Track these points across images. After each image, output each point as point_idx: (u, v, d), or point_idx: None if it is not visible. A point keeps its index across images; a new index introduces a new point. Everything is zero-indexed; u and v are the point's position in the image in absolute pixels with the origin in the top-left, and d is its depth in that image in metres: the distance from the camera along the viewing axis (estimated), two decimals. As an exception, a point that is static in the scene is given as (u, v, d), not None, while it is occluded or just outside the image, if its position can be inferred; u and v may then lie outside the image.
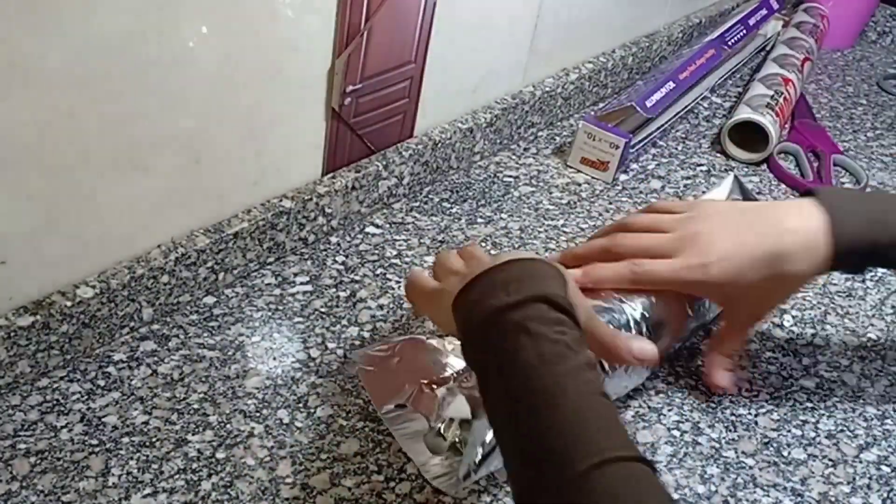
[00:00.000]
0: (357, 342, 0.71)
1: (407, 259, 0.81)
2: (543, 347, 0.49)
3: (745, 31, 1.18)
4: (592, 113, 1.00)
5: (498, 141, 0.98)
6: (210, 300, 0.74)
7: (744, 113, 1.04)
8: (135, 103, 0.60)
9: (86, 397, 0.64)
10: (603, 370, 0.62)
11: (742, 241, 0.63)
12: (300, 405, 0.66)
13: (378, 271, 0.79)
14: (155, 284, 0.68)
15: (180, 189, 0.68)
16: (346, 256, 0.81)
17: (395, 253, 0.82)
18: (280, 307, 0.74)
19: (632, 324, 0.63)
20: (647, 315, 0.64)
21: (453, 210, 0.89)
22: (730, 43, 1.15)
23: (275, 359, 0.69)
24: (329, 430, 0.64)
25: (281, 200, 0.76)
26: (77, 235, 0.63)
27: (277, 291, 0.75)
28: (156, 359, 0.68)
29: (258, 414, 0.64)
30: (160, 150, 0.64)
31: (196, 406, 0.64)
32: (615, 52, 1.12)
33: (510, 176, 0.96)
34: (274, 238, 0.77)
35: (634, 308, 0.64)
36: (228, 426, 0.63)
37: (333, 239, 0.82)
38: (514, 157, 0.99)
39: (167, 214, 0.68)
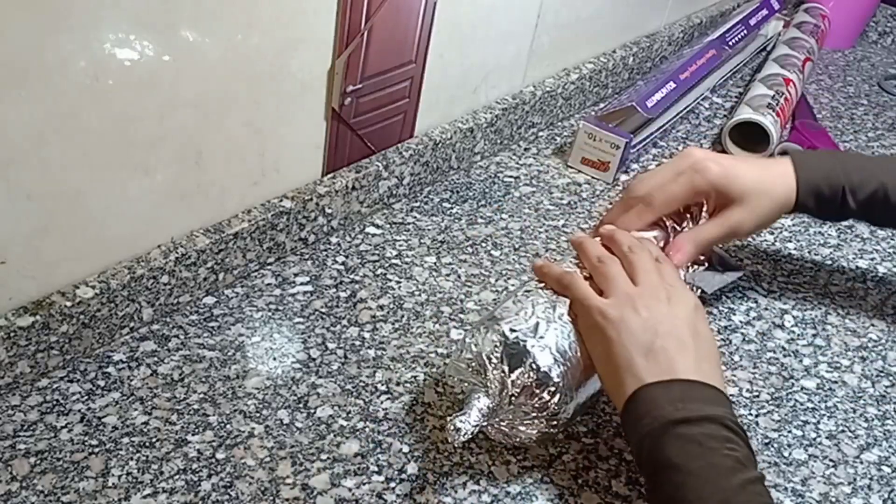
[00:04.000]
0: (357, 343, 0.71)
1: (407, 259, 0.81)
2: (715, 460, 0.50)
3: (745, 32, 1.18)
4: (593, 113, 1.00)
5: (498, 141, 0.98)
6: (210, 300, 0.73)
7: (745, 113, 1.04)
8: (135, 103, 0.60)
9: (86, 397, 0.64)
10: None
11: (732, 160, 0.72)
12: (300, 405, 0.66)
13: (378, 271, 0.79)
14: (155, 284, 0.68)
15: (180, 189, 0.68)
16: (347, 257, 0.80)
17: (395, 253, 0.82)
18: (280, 307, 0.74)
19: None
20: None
21: (454, 210, 0.89)
22: (730, 43, 1.15)
23: (275, 359, 0.69)
24: (329, 430, 0.64)
25: (281, 200, 0.76)
26: (77, 235, 0.63)
27: (277, 292, 0.75)
28: (156, 359, 0.67)
29: (258, 414, 0.64)
30: (160, 150, 0.64)
31: (196, 406, 0.64)
32: (616, 52, 1.11)
33: (510, 176, 0.95)
34: (274, 238, 0.77)
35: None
36: (228, 426, 0.63)
37: (333, 239, 0.82)
38: (514, 157, 0.99)
39: (167, 214, 0.68)
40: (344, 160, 0.81)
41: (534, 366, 0.58)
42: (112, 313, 0.66)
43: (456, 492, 0.61)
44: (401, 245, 0.83)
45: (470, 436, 0.56)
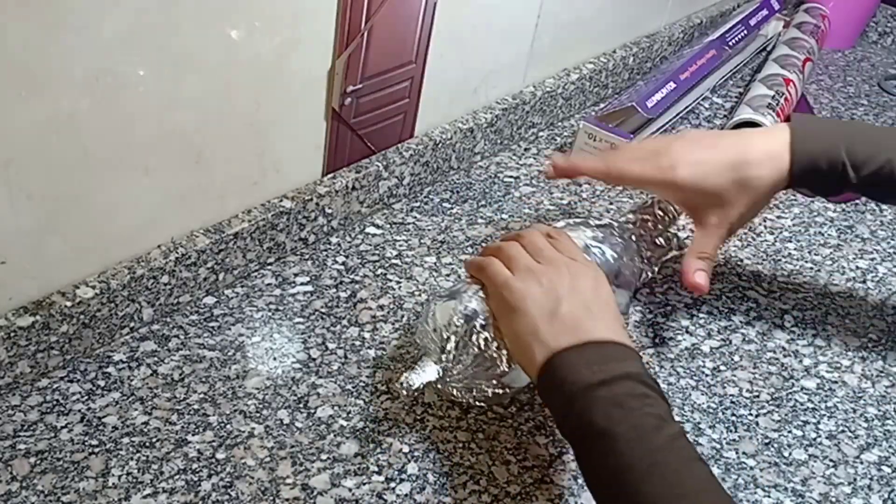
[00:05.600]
0: (357, 343, 0.71)
1: (407, 259, 0.81)
2: (637, 421, 0.51)
3: (745, 32, 1.18)
4: (593, 113, 1.00)
5: (498, 141, 0.98)
6: (210, 300, 0.73)
7: (745, 113, 1.04)
8: (135, 103, 0.60)
9: (86, 397, 0.64)
10: None
11: (710, 150, 0.69)
12: (300, 405, 0.66)
13: (378, 272, 0.79)
14: (155, 285, 0.68)
15: (180, 189, 0.68)
16: (347, 257, 0.80)
17: (395, 253, 0.82)
18: (280, 307, 0.74)
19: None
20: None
21: (454, 210, 0.89)
22: (731, 43, 1.15)
23: (275, 359, 0.69)
24: (329, 430, 0.64)
25: (281, 200, 0.76)
26: (77, 235, 0.63)
27: (278, 292, 0.75)
28: (156, 359, 0.67)
29: (258, 414, 0.64)
30: (160, 150, 0.64)
31: (196, 406, 0.64)
32: (616, 52, 1.11)
33: (511, 176, 0.95)
34: (274, 238, 0.77)
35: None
36: (228, 426, 0.63)
37: (334, 239, 0.82)
38: (514, 157, 0.99)
39: (167, 214, 0.68)
40: (344, 160, 0.81)
41: (471, 314, 0.61)
42: (112, 313, 0.66)
43: (456, 492, 0.61)
44: (401, 245, 0.83)
45: (419, 386, 0.60)
